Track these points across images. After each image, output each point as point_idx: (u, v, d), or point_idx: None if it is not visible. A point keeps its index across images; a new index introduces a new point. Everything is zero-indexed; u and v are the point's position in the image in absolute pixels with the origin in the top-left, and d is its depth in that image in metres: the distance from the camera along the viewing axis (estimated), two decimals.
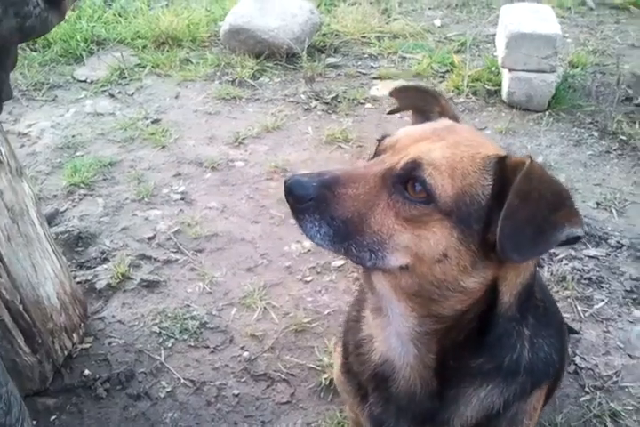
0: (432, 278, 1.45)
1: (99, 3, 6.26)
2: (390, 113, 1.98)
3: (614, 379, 2.82)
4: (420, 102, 1.81)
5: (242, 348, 2.99)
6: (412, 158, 1.45)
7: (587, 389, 2.78)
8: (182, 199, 3.92)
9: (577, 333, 3.01)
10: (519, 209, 1.34)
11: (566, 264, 3.38)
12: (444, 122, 1.66)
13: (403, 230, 1.44)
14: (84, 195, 3.97)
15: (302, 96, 5.03)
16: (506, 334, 1.59)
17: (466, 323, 1.55)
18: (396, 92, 1.89)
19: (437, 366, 1.63)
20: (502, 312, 1.54)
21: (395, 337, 1.67)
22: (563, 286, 3.28)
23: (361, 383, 1.84)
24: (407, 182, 1.44)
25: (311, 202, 1.45)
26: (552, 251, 3.45)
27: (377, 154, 1.60)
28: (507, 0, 5.92)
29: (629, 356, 2.93)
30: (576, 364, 2.88)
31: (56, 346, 2.81)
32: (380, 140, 1.64)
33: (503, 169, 1.44)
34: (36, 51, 5.54)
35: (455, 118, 1.72)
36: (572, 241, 1.36)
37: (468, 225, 1.41)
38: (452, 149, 1.46)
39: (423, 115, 1.80)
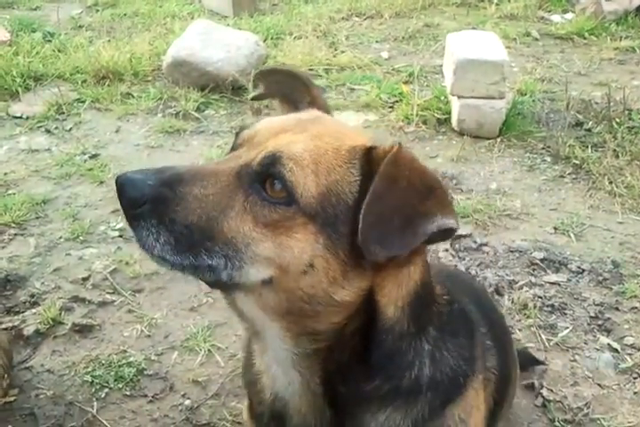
0: (300, 293, 1.27)
1: (37, 38, 6.08)
2: (254, 99, 1.78)
3: (585, 411, 2.65)
4: (288, 89, 1.61)
5: (183, 395, 2.73)
6: (270, 152, 1.27)
7: (556, 423, 2.60)
8: (120, 236, 3.67)
9: (542, 363, 2.84)
10: (385, 196, 1.19)
11: (527, 291, 3.23)
12: (312, 113, 1.49)
13: (262, 238, 1.24)
14: (15, 235, 3.70)
15: None
16: (399, 353, 1.40)
17: (347, 340, 1.36)
18: (262, 75, 1.70)
19: (327, 393, 1.43)
20: (388, 327, 1.36)
21: (275, 365, 1.48)
22: (525, 314, 3.12)
23: None
24: (265, 181, 1.26)
25: (147, 205, 1.22)
26: (511, 278, 3.30)
27: (233, 149, 1.40)
28: (452, 31, 5.93)
29: (599, 385, 2.77)
30: (544, 396, 2.70)
31: None
32: (237, 134, 1.44)
33: (371, 161, 1.27)
34: None
35: (326, 110, 1.55)
36: (445, 234, 1.21)
37: (335, 229, 1.24)
38: (315, 142, 1.29)
39: (293, 105, 1.60)
